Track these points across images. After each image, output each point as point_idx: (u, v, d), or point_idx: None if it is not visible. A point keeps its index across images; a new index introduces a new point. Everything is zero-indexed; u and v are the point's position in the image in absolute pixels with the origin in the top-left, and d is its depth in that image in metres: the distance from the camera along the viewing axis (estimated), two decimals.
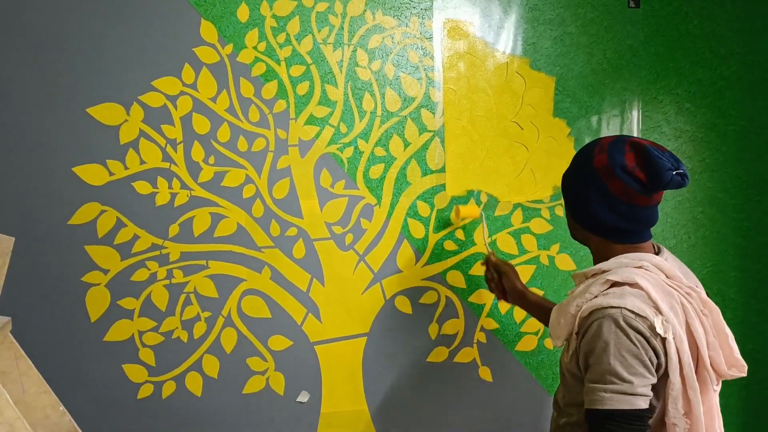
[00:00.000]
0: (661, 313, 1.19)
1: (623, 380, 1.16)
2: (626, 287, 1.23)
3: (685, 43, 2.08)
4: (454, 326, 1.94)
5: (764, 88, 2.13)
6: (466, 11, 1.91)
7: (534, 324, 1.98)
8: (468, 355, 1.96)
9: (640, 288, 1.22)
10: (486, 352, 1.96)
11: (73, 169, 1.69)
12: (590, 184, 1.32)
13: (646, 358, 1.17)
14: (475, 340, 1.96)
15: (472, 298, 1.95)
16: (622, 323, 1.18)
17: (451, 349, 1.94)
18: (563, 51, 1.99)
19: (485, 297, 1.95)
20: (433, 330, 1.93)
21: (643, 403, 1.16)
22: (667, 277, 1.26)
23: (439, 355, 1.94)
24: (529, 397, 2.00)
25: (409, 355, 1.91)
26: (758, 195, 2.15)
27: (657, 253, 1.35)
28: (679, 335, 1.19)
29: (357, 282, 1.87)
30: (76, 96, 1.68)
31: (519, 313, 1.98)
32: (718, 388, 1.26)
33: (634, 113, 2.04)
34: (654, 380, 1.19)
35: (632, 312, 1.18)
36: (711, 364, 1.21)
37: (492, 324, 1.96)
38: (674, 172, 1.22)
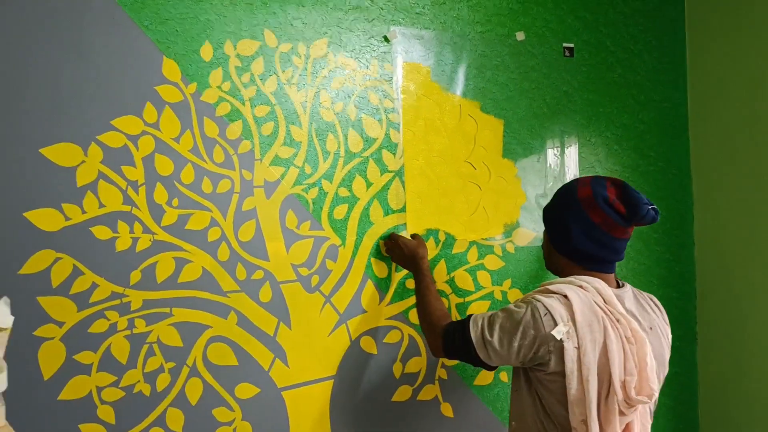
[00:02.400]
0: (574, 324, 1.37)
1: (492, 331, 1.45)
2: (557, 294, 1.44)
3: (612, 90, 2.33)
4: (417, 364, 2.02)
5: (679, 133, 2.42)
6: (422, 56, 2.03)
7: None
8: (430, 392, 2.03)
9: (567, 299, 1.41)
10: (447, 388, 2.05)
11: (25, 214, 1.59)
12: (573, 214, 1.49)
13: (523, 344, 1.40)
14: (436, 377, 2.04)
15: None
16: (532, 308, 1.42)
17: (414, 387, 2.01)
18: (509, 95, 2.16)
19: None
20: (397, 369, 1.99)
21: (483, 356, 1.47)
22: (604, 301, 1.43)
23: (403, 393, 2.00)
24: (487, 431, 2.11)
25: (375, 395, 1.96)
26: (676, 229, 2.42)
27: (619, 287, 1.53)
28: (586, 348, 1.37)
29: (323, 324, 1.90)
30: (29, 135, 1.59)
31: None
32: (632, 410, 1.40)
33: (573, 155, 2.24)
34: (514, 363, 1.46)
35: (546, 308, 1.40)
36: (623, 387, 1.37)
37: (453, 360, 2.05)
38: (650, 207, 1.42)
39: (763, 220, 2.22)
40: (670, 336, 1.58)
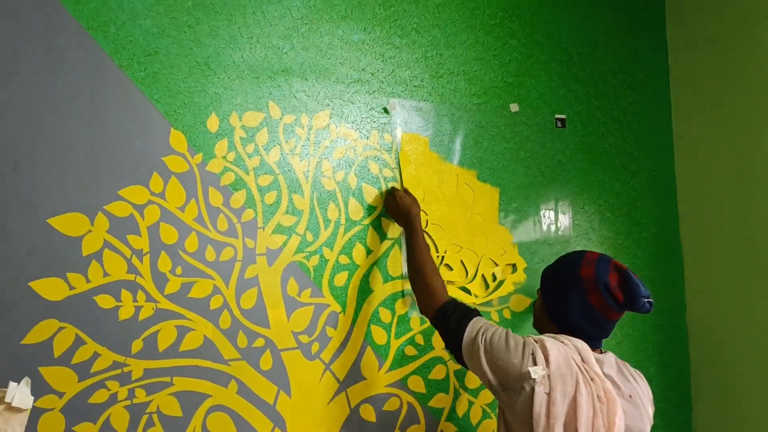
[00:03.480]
0: (548, 371, 1.41)
1: (485, 338, 1.52)
2: (538, 342, 1.49)
3: (604, 159, 2.40)
4: None
5: (669, 200, 2.49)
6: (421, 126, 2.10)
7: (489, 425, 2.10)
8: None
9: (545, 347, 1.45)
10: None
11: (30, 284, 1.61)
12: (573, 290, 1.54)
13: (503, 367, 1.46)
14: None
15: (431, 403, 2.04)
16: (525, 342, 1.48)
17: None
18: (505, 164, 2.22)
19: (444, 401, 2.05)
20: None
21: (464, 352, 1.55)
22: (581, 359, 1.46)
23: None
24: None
25: None
26: (668, 296, 2.47)
27: (602, 353, 1.58)
28: (555, 398, 1.40)
29: (323, 392, 1.90)
30: (37, 205, 1.62)
31: (475, 416, 2.09)
32: None
33: (567, 222, 2.30)
34: (484, 378, 1.51)
35: (534, 348, 1.46)
36: None
37: (451, 428, 2.05)
38: (646, 300, 1.47)
39: (753, 283, 2.27)
40: (651, 414, 1.58)
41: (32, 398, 1.08)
